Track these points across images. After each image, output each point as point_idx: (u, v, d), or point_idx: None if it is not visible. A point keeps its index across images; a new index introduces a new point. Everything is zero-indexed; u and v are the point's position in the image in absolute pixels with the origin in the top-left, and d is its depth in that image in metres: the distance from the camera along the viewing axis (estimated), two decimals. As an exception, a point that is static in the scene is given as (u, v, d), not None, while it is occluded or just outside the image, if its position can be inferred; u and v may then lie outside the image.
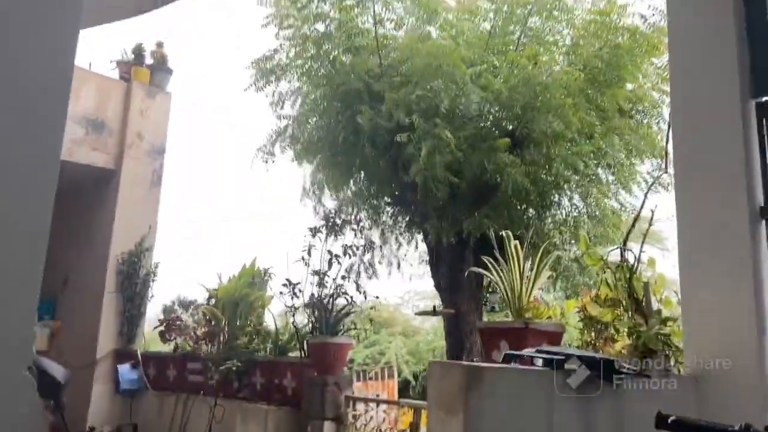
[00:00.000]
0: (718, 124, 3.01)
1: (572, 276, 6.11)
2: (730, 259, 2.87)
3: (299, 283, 5.80)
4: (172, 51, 8.98)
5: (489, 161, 5.54)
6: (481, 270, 3.59)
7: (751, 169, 2.90)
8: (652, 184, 4.86)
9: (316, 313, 5.64)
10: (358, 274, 6.21)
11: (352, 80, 5.95)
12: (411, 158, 5.54)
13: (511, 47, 5.96)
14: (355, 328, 5.98)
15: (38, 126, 1.41)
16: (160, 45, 9.13)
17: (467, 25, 6.24)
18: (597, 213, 6.21)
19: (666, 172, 4.47)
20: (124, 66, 8.87)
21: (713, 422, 1.73)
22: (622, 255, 3.46)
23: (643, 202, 4.01)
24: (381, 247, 6.70)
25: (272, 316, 6.76)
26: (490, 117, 5.92)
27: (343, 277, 5.71)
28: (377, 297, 6.25)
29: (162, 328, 7.52)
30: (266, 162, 6.68)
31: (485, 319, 6.28)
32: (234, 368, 6.15)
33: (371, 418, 5.23)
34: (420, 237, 6.70)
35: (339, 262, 5.72)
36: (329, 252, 5.75)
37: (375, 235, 6.73)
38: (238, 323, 6.59)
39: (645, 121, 6.14)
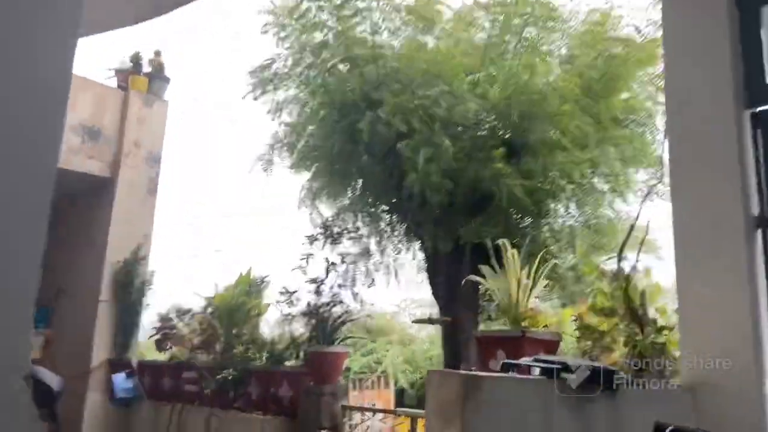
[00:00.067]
0: (713, 134, 3.04)
1: (568, 285, 6.12)
2: (726, 268, 2.89)
3: (296, 291, 5.79)
4: (171, 55, 9.01)
5: (485, 170, 5.56)
6: (478, 278, 3.59)
7: (746, 178, 2.92)
8: (648, 194, 4.87)
9: (312, 321, 5.63)
10: (353, 281, 6.20)
11: (350, 89, 5.97)
12: (409, 166, 5.55)
13: (508, 57, 5.99)
14: (352, 337, 5.97)
15: (36, 134, 1.41)
16: (157, 53, 9.14)
17: (464, 35, 6.28)
18: (593, 222, 6.22)
19: (661, 181, 4.49)
20: (122, 74, 8.88)
21: None
22: (618, 264, 3.47)
23: (639, 211, 4.00)
24: (381, 253, 6.69)
25: (268, 325, 6.74)
26: (487, 126, 5.94)
27: (340, 286, 5.71)
28: (373, 304, 6.25)
29: (157, 336, 7.48)
30: (265, 170, 6.70)
31: (482, 327, 6.28)
32: (230, 377, 6.12)
33: (368, 427, 5.22)
34: (417, 245, 6.70)
35: (336, 270, 5.72)
36: (326, 260, 5.75)
37: (372, 243, 6.73)
38: (234, 332, 6.56)
39: (640, 131, 6.17)
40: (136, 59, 8.96)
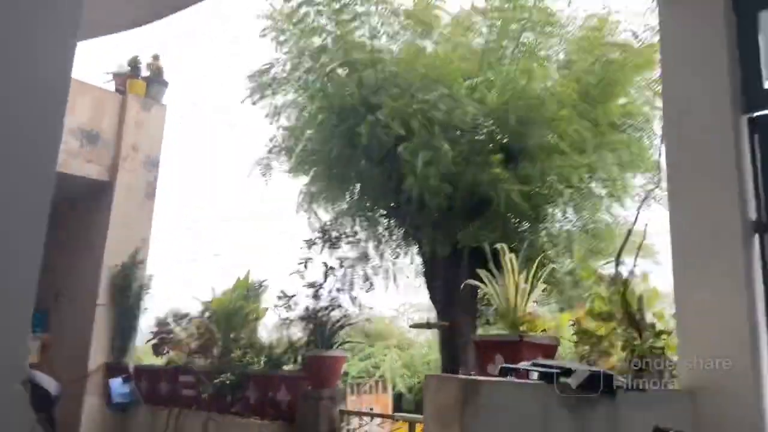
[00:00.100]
0: (711, 139, 3.05)
1: (566, 289, 6.12)
2: (723, 273, 2.89)
3: (294, 295, 5.79)
4: (170, 59, 9.04)
5: (483, 175, 5.57)
6: (476, 282, 3.59)
7: (743, 183, 2.93)
8: (645, 199, 4.88)
9: (310, 325, 5.62)
10: (351, 285, 6.20)
11: (349, 93, 5.98)
12: (407, 169, 5.56)
13: (506, 62, 6.01)
14: (350, 341, 5.96)
15: (35, 136, 1.41)
16: (156, 57, 9.16)
17: (462, 40, 6.29)
18: (590, 227, 6.23)
19: (658, 186, 4.50)
20: (120, 78, 8.89)
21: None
22: (616, 269, 3.48)
23: (637, 216, 4.01)
24: (380, 257, 6.69)
25: (266, 329, 6.74)
26: (485, 130, 5.95)
27: (339, 290, 5.71)
28: (372, 308, 6.25)
29: (155, 341, 7.47)
30: (264, 175, 6.70)
31: (480, 331, 6.27)
32: (227, 382, 6.11)
33: (366, 432, 5.20)
34: (415, 249, 6.71)
35: (334, 275, 5.72)
36: (324, 264, 5.75)
37: (370, 248, 6.73)
38: (231, 336, 6.55)
39: (637, 136, 6.19)
40: (134, 63, 8.97)
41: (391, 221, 6.78)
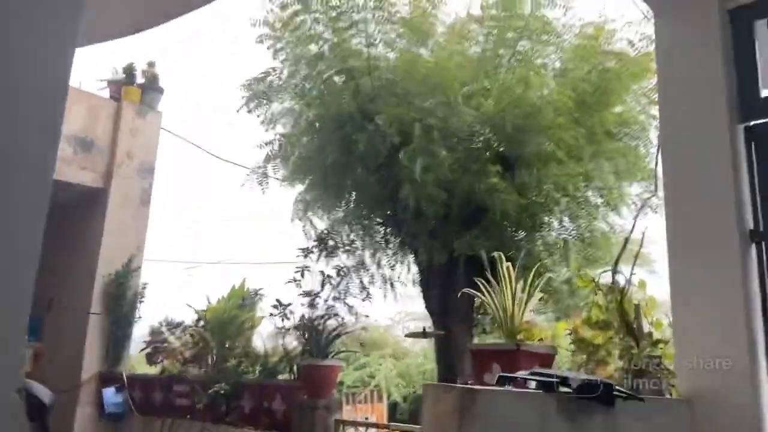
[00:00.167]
0: (707, 148, 3.05)
1: (562, 298, 6.11)
2: (720, 282, 2.89)
3: (290, 304, 5.76)
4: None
5: (480, 183, 5.57)
6: (473, 291, 3.58)
7: (740, 192, 2.94)
8: (642, 207, 4.89)
9: (306, 334, 5.60)
10: (346, 293, 6.17)
11: (345, 101, 5.98)
12: (404, 176, 5.55)
13: (502, 70, 6.03)
14: (346, 351, 5.93)
15: (33, 144, 1.39)
16: (151, 65, 9.15)
17: (458, 48, 6.31)
18: (587, 235, 6.23)
19: (655, 195, 4.51)
20: (115, 85, 8.88)
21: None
22: (613, 277, 3.47)
23: (633, 224, 4.02)
24: (377, 266, 6.68)
25: (262, 338, 6.70)
26: (481, 138, 5.96)
27: (335, 298, 5.69)
28: (368, 316, 6.22)
29: (149, 350, 7.42)
30: (260, 183, 6.68)
31: (476, 341, 6.25)
32: (222, 391, 6.07)
33: (361, 441, 5.17)
34: (411, 258, 6.69)
35: (331, 283, 5.70)
36: (321, 272, 5.73)
37: (366, 256, 6.71)
38: (226, 345, 6.52)
39: (633, 144, 6.20)
40: (129, 70, 8.96)
41: (388, 229, 6.77)
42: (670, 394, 2.98)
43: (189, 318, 7.26)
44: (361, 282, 6.43)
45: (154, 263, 9.30)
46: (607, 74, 5.87)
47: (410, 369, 11.46)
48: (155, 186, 8.81)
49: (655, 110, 5.63)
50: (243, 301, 6.78)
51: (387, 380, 10.61)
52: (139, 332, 7.99)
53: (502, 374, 2.53)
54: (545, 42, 6.04)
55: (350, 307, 5.81)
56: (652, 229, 3.80)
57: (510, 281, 3.40)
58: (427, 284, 6.52)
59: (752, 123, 2.99)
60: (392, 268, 6.68)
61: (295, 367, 5.80)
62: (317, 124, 6.42)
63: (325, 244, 5.96)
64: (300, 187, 6.80)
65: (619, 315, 3.28)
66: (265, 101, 6.58)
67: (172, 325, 7.54)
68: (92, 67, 8.39)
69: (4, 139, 1.32)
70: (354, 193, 6.62)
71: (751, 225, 2.91)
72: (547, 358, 3.26)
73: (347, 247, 6.19)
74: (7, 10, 1.34)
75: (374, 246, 6.72)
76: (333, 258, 6.13)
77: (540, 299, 3.77)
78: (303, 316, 5.69)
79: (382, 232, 6.80)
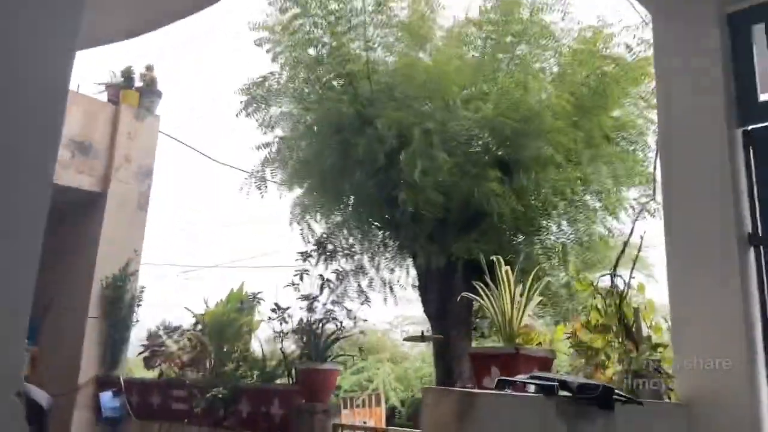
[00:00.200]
0: (705, 152, 3.06)
1: (561, 302, 6.11)
2: (719, 286, 2.90)
3: (288, 308, 5.75)
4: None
5: (478, 187, 5.57)
6: (472, 295, 3.58)
7: (738, 196, 2.95)
8: (640, 212, 4.90)
9: (304, 338, 5.59)
10: (344, 296, 6.17)
11: (344, 105, 5.98)
12: (402, 181, 5.56)
13: (500, 74, 6.04)
14: (344, 355, 5.92)
15: (33, 146, 1.39)
16: (149, 68, 9.15)
17: (456, 52, 6.32)
18: (585, 239, 6.24)
19: (653, 199, 4.52)
20: (113, 89, 8.87)
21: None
22: (611, 281, 3.48)
23: (632, 228, 4.03)
24: (376, 270, 6.67)
25: (260, 342, 6.69)
26: (480, 142, 5.96)
27: (334, 302, 5.68)
28: (366, 320, 6.21)
29: (146, 354, 7.40)
30: (259, 188, 6.67)
31: (474, 344, 6.25)
32: (220, 395, 6.05)
33: (359, 445, 5.16)
34: (410, 262, 6.69)
35: (330, 287, 5.69)
36: (320, 276, 5.72)
37: (365, 260, 6.70)
38: (225, 349, 6.50)
39: (631, 148, 6.21)
40: (127, 73, 8.96)
41: (386, 233, 6.76)
42: (669, 398, 2.98)
43: (187, 322, 7.25)
44: (360, 286, 6.42)
45: (152, 267, 9.29)
46: (605, 78, 5.88)
47: (408, 373, 11.43)
48: (153, 189, 8.80)
49: (653, 114, 5.65)
50: (241, 304, 6.77)
51: (385, 384, 10.58)
52: (137, 336, 7.97)
53: (501, 378, 2.53)
54: (543, 46, 6.06)
55: (349, 311, 5.81)
56: (651, 234, 3.81)
57: (509, 285, 3.40)
58: (425, 288, 6.51)
59: (750, 127, 3.00)
60: (391, 271, 6.67)
61: (293, 371, 5.78)
62: (316, 128, 6.42)
63: (324, 248, 5.96)
64: (298, 191, 6.78)
65: (618, 318, 3.28)
66: (263, 105, 6.57)
67: (170, 329, 7.53)
68: (90, 71, 8.39)
69: (4, 140, 1.32)
70: (353, 196, 6.61)
71: (749, 228, 2.92)
72: (546, 362, 3.26)
73: (346, 251, 6.18)
74: (7, 10, 1.34)
75: (373, 250, 6.72)
76: (332, 262, 6.12)
77: (538, 303, 3.76)
78: (301, 319, 5.68)
79: (381, 235, 6.80)
